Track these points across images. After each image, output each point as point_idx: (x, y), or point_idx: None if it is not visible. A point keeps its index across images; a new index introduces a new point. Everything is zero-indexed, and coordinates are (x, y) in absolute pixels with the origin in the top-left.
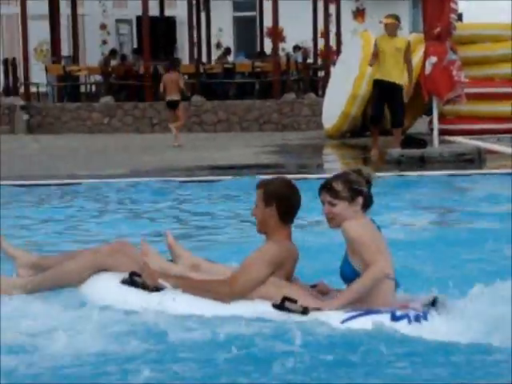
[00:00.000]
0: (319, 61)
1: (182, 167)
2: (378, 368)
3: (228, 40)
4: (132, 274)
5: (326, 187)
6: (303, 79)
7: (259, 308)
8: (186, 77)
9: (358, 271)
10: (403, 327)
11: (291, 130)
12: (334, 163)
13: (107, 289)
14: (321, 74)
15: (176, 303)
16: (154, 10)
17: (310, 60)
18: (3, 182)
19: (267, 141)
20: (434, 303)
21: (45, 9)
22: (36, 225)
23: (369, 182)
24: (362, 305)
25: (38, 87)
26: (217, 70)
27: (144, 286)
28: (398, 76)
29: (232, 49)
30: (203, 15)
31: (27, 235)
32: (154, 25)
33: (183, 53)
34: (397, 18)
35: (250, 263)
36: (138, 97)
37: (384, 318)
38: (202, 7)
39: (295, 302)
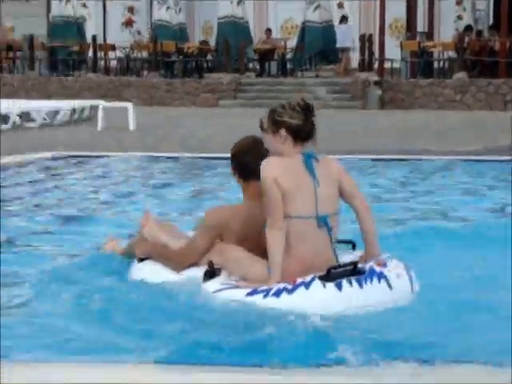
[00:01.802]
0: None
1: None
2: None
3: None
4: None
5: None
6: None
7: (196, 274)
8: None
9: None
10: (255, 301)
11: None
12: None
13: (134, 266)
14: None
15: (141, 272)
16: None
17: None
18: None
19: None
20: (328, 275)
21: None
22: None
23: (303, 112)
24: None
25: (391, 63)
26: None
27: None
28: None
29: None
30: None
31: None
32: None
33: None
34: None
35: (195, 233)
36: (491, 73)
37: (241, 292)
38: None
39: (213, 268)
